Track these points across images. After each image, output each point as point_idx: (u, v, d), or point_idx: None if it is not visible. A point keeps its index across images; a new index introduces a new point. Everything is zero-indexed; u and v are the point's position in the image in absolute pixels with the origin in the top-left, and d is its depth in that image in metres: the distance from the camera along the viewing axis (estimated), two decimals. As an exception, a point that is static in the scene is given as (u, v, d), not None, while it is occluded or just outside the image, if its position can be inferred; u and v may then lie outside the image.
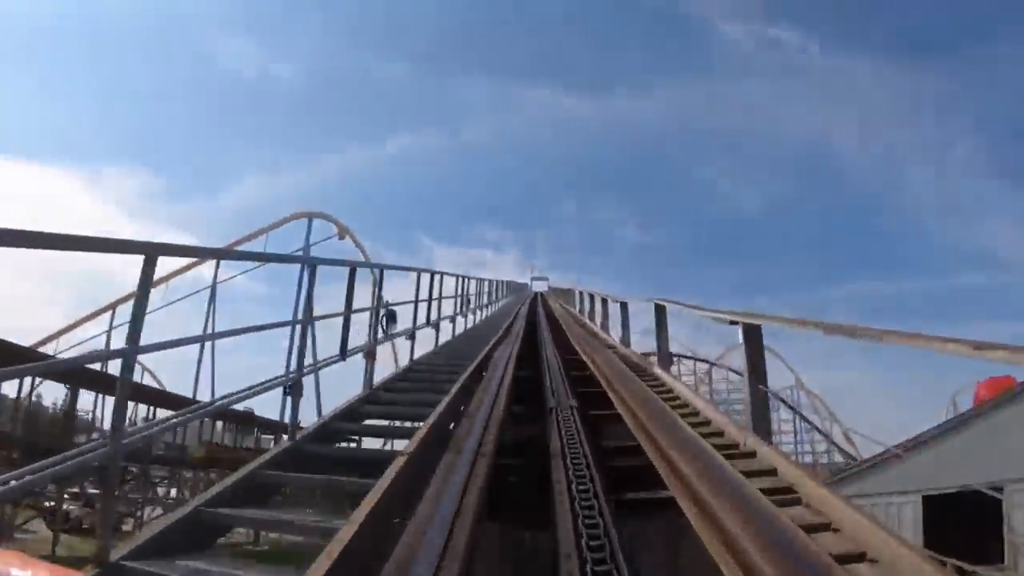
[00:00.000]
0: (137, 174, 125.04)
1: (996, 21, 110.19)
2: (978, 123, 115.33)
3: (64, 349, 30.89)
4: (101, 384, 22.02)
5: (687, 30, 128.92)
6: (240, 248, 33.43)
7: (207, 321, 35.06)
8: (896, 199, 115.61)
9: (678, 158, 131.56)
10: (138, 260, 3.25)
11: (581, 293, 20.42)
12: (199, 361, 30.44)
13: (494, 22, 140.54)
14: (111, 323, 33.05)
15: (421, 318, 10.46)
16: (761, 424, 5.37)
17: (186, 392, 29.70)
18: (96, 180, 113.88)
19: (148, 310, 3.36)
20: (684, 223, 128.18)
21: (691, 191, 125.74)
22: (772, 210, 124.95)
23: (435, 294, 11.56)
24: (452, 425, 5.23)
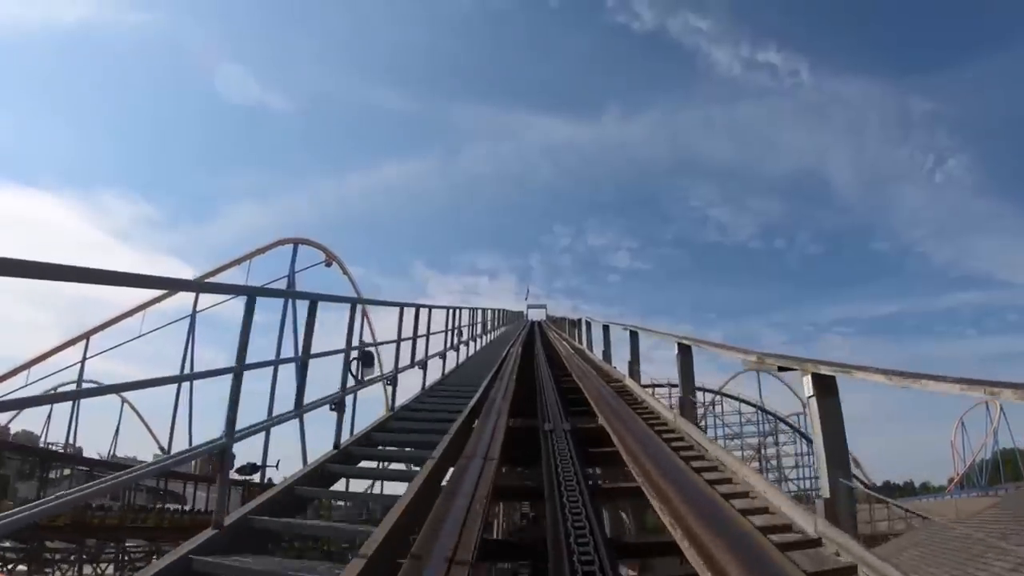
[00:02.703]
0: (132, 201, 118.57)
1: (983, 40, 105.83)
2: (967, 142, 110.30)
3: (35, 380, 27.38)
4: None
5: (678, 57, 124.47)
6: (225, 274, 30.10)
7: (184, 359, 30.67)
8: (888, 220, 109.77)
9: (671, 184, 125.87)
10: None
11: (606, 329, 12.77)
12: (176, 403, 26.51)
13: (488, 51, 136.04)
14: (85, 353, 29.82)
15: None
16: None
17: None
18: (91, 207, 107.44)
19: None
20: (676, 248, 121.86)
21: (683, 216, 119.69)
22: (764, 232, 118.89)
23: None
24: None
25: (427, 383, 8.21)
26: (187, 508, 32.13)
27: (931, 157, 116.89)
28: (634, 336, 9.97)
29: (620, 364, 12.29)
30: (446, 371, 9.68)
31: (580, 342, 17.19)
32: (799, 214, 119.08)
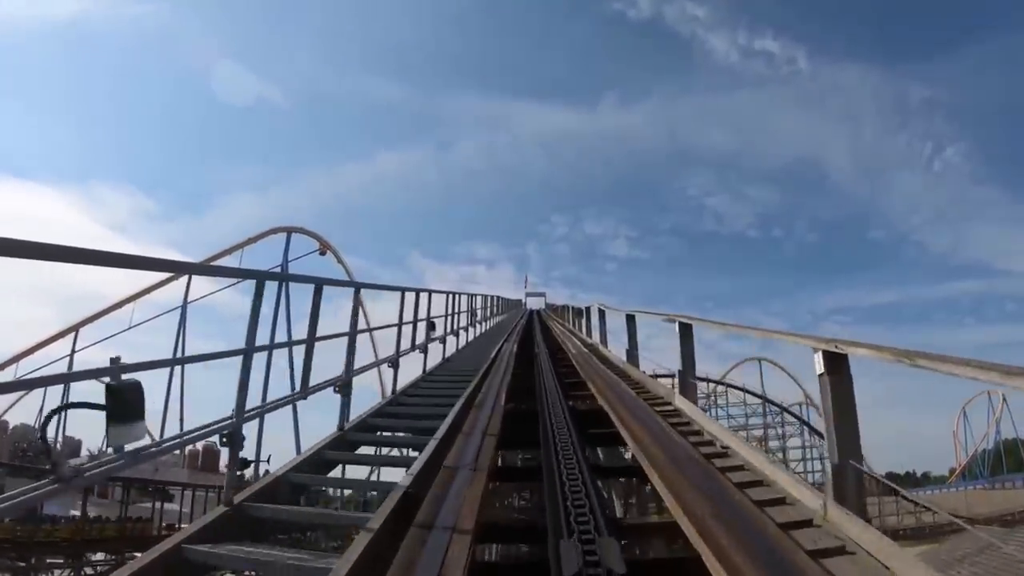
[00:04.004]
0: (129, 194, 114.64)
1: (980, 26, 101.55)
2: (965, 130, 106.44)
3: (25, 373, 26.22)
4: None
5: (675, 45, 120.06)
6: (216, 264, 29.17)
7: (177, 343, 30.70)
8: (887, 208, 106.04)
9: (668, 173, 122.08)
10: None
11: (630, 320, 9.09)
12: (168, 387, 27.07)
13: (483, 40, 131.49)
14: (74, 345, 29.23)
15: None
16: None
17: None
18: (87, 199, 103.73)
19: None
20: (674, 237, 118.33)
21: (681, 205, 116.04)
22: (762, 221, 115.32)
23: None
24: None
25: (351, 418, 4.62)
26: (163, 506, 28.58)
27: (929, 145, 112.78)
28: (686, 332, 6.36)
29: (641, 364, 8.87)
30: (397, 389, 6.10)
31: (590, 336, 13.63)
32: (797, 203, 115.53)
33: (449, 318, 10.30)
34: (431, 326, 8.24)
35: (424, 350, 7.73)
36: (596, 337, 12.46)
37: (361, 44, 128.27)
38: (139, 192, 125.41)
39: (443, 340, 9.24)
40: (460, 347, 10.82)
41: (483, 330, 15.67)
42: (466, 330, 12.33)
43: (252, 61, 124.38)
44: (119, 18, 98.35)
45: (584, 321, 14.70)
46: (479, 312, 15.10)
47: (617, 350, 10.38)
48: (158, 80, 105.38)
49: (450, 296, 10.63)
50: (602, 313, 11.87)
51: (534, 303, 39.80)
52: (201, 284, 34.48)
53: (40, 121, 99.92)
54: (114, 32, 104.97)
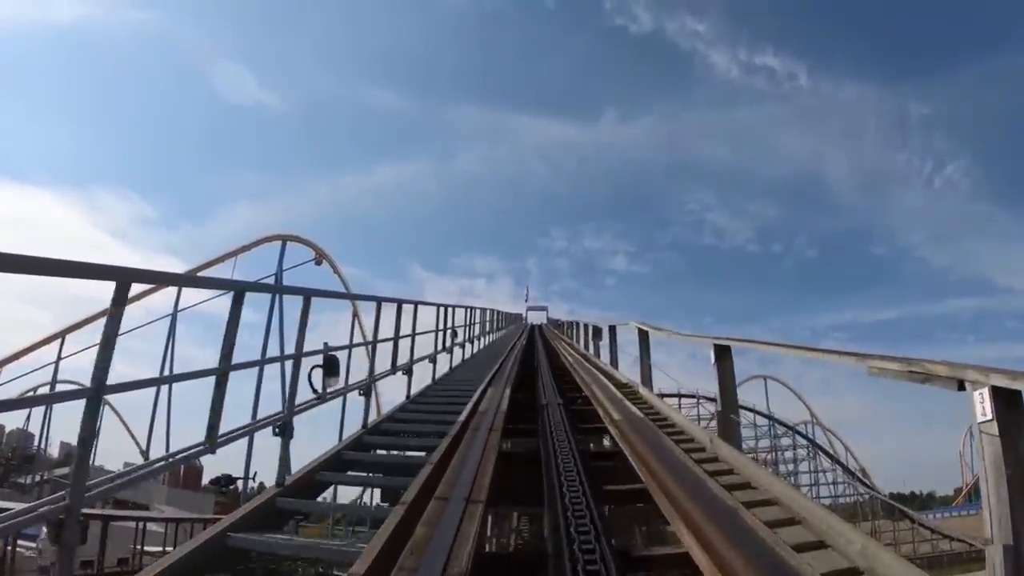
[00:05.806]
0: (129, 199, 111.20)
1: (980, 43, 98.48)
2: (966, 146, 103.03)
3: (8, 380, 23.46)
4: None
5: (676, 60, 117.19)
6: (209, 272, 26.55)
7: (164, 359, 27.98)
8: (888, 223, 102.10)
9: (668, 187, 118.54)
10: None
11: (723, 356, 4.56)
12: (155, 407, 23.70)
13: (484, 53, 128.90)
14: (60, 353, 25.79)
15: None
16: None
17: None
18: (87, 204, 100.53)
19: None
20: (673, 251, 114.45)
21: (681, 219, 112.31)
22: (761, 237, 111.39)
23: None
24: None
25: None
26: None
27: (929, 162, 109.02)
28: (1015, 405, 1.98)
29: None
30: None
31: (615, 364, 9.16)
32: (797, 218, 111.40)
33: (394, 346, 5.84)
34: (329, 368, 3.87)
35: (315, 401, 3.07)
36: (626, 369, 8.03)
37: (362, 53, 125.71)
38: (139, 198, 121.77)
39: (366, 391, 4.78)
40: (412, 395, 6.27)
41: (468, 354, 11.22)
42: (434, 361, 7.84)
43: (254, 68, 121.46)
44: (120, 23, 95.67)
45: (606, 343, 10.22)
46: (460, 333, 10.49)
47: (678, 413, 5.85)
48: (158, 85, 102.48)
49: (396, 308, 6.12)
50: (644, 336, 7.29)
51: (535, 317, 35.59)
52: (193, 291, 31.45)
53: (41, 125, 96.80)
54: (115, 37, 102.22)
